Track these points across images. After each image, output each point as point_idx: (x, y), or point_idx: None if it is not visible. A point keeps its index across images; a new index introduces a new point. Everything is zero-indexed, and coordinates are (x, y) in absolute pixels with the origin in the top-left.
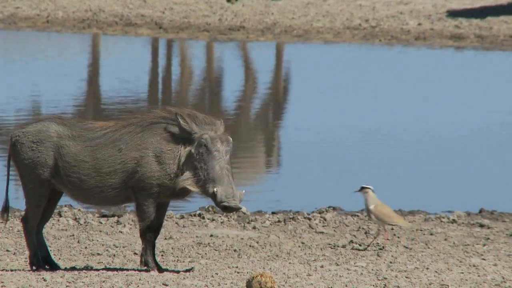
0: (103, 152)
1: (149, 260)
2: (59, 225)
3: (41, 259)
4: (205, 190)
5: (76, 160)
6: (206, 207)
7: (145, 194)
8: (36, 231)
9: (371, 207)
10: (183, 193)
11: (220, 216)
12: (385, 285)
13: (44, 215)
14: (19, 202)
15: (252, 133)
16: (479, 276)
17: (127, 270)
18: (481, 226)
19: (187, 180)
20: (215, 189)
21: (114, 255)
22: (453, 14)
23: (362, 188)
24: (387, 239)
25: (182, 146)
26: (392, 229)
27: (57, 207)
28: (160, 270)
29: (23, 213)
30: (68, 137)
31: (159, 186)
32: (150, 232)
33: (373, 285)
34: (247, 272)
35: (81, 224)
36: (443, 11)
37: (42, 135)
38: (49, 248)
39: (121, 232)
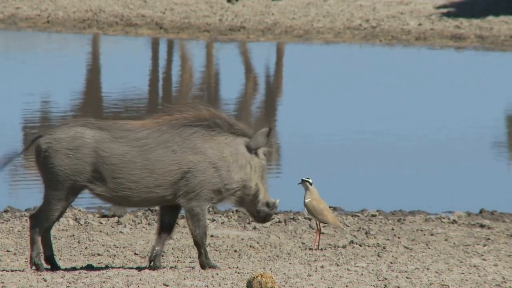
0: (155, 153)
1: (211, 263)
2: (59, 225)
3: (46, 258)
4: (267, 200)
5: (124, 161)
6: None
7: (200, 199)
8: (45, 229)
9: (307, 200)
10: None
11: (220, 217)
12: (385, 285)
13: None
14: (19, 202)
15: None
16: (479, 276)
17: (128, 270)
18: (482, 226)
19: (265, 191)
20: (277, 200)
21: (114, 255)
22: (454, 14)
23: (303, 181)
24: (321, 233)
25: (249, 157)
26: (324, 226)
27: None
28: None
29: (24, 213)
30: (108, 140)
31: (214, 191)
32: (205, 237)
33: (374, 286)
34: (248, 273)
35: (81, 225)
36: (444, 11)
37: (78, 142)
38: None
39: (122, 233)
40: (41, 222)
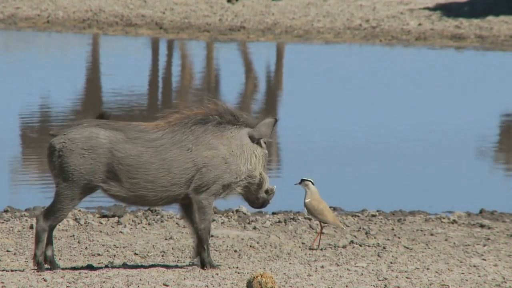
0: (171, 153)
1: (212, 261)
2: (59, 225)
3: (46, 258)
4: (268, 188)
5: (140, 162)
6: None
7: (209, 193)
8: (49, 229)
9: (307, 200)
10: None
11: (220, 217)
12: (385, 285)
13: None
14: (19, 202)
15: None
16: (479, 276)
17: (128, 270)
18: (482, 226)
19: (268, 180)
20: (275, 186)
21: (114, 255)
22: (454, 14)
23: (303, 180)
24: (322, 233)
25: (252, 147)
26: (324, 226)
27: None
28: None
29: (24, 213)
30: (123, 141)
31: (224, 186)
32: (209, 233)
33: (374, 286)
34: (248, 273)
35: (81, 225)
36: (444, 11)
37: (93, 142)
38: None
39: (122, 233)
40: (49, 221)
